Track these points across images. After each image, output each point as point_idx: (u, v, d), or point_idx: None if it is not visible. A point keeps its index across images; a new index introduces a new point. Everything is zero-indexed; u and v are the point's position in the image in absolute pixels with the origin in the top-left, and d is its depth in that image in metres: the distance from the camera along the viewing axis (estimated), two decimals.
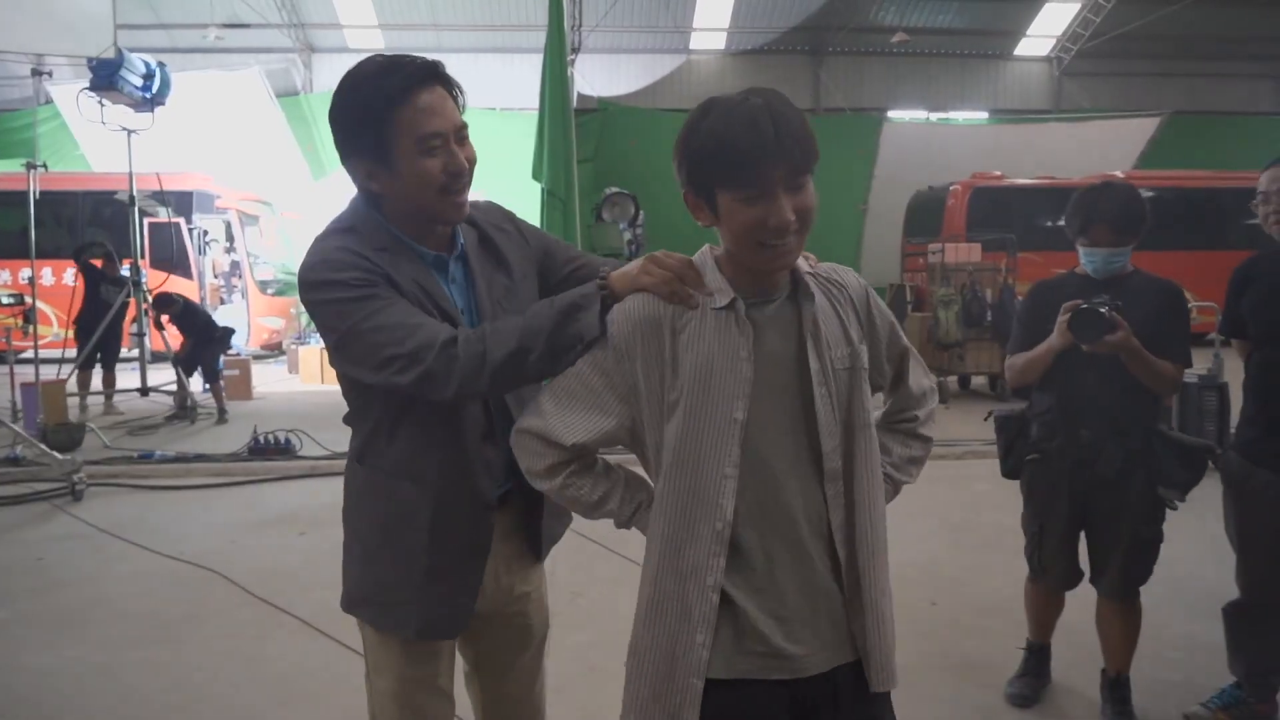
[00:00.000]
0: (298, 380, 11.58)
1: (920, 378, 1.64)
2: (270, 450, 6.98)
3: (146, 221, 12.87)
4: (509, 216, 1.79)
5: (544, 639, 1.90)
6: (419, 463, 1.59)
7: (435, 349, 1.41)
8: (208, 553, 4.71)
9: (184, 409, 8.72)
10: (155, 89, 8.27)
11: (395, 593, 1.63)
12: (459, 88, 1.58)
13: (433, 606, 1.62)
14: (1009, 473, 3.06)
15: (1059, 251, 13.27)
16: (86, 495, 5.87)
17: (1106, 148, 16.88)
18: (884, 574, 1.44)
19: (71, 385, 8.67)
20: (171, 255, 11.66)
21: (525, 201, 10.35)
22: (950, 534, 5.05)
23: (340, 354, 1.54)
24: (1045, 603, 3.09)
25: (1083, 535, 2.89)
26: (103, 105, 8.04)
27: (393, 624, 1.64)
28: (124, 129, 8.42)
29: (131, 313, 9.15)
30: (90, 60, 7.60)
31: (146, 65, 8.20)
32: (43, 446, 6.20)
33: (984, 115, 21.25)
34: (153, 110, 8.39)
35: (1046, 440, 2.81)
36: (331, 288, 1.48)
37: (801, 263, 1.46)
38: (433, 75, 1.52)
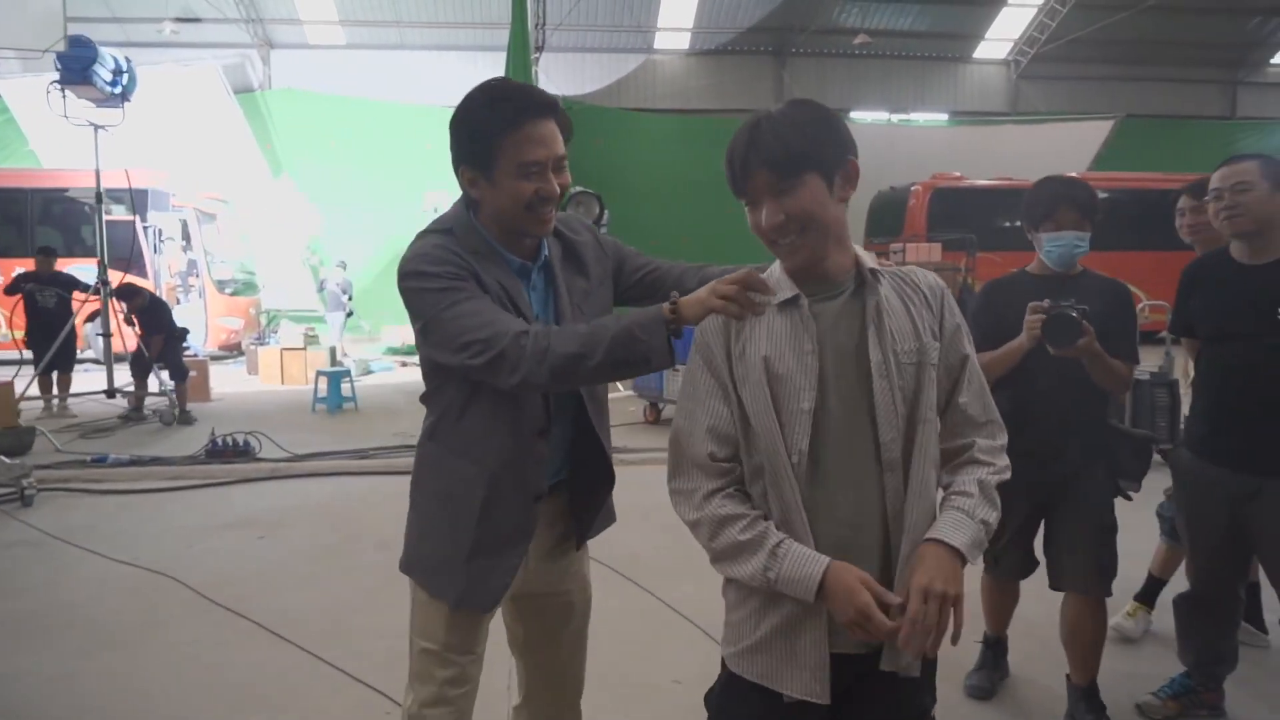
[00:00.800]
0: (258, 381, 11.40)
1: (981, 402, 1.58)
2: (228, 452, 6.86)
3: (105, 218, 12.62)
4: (588, 227, 1.96)
5: (586, 616, 2.08)
6: (480, 446, 1.77)
7: (508, 337, 1.58)
8: (164, 558, 4.62)
9: (138, 411, 8.54)
10: (125, 84, 8.10)
11: (443, 562, 1.82)
12: (569, 122, 1.75)
13: (473, 580, 1.79)
14: None
15: (1017, 251, 13.51)
16: (37, 500, 5.72)
17: (1062, 149, 17.21)
18: None
19: (34, 390, 8.47)
20: (128, 254, 11.40)
21: None
22: None
23: (425, 337, 1.73)
24: (1000, 595, 3.13)
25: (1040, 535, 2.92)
26: (66, 99, 7.82)
27: (437, 590, 1.82)
28: (91, 124, 8.21)
29: (88, 314, 8.95)
30: (64, 52, 7.46)
31: (116, 61, 8.04)
32: None
33: (944, 117, 21.56)
34: (121, 106, 8.21)
35: None
36: (423, 278, 1.68)
37: (868, 258, 1.52)
38: (548, 109, 1.69)
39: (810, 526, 1.44)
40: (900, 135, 19.35)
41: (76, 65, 7.46)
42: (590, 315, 1.79)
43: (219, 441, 7.00)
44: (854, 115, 20.18)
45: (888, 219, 14.48)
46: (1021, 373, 2.69)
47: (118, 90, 8.03)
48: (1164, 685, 2.97)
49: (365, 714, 3.06)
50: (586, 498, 1.93)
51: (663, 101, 20.38)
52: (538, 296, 1.82)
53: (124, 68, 8.07)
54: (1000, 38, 21.54)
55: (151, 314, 8.95)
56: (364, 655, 3.42)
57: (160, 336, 8.83)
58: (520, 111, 1.66)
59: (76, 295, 8.96)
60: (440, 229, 1.76)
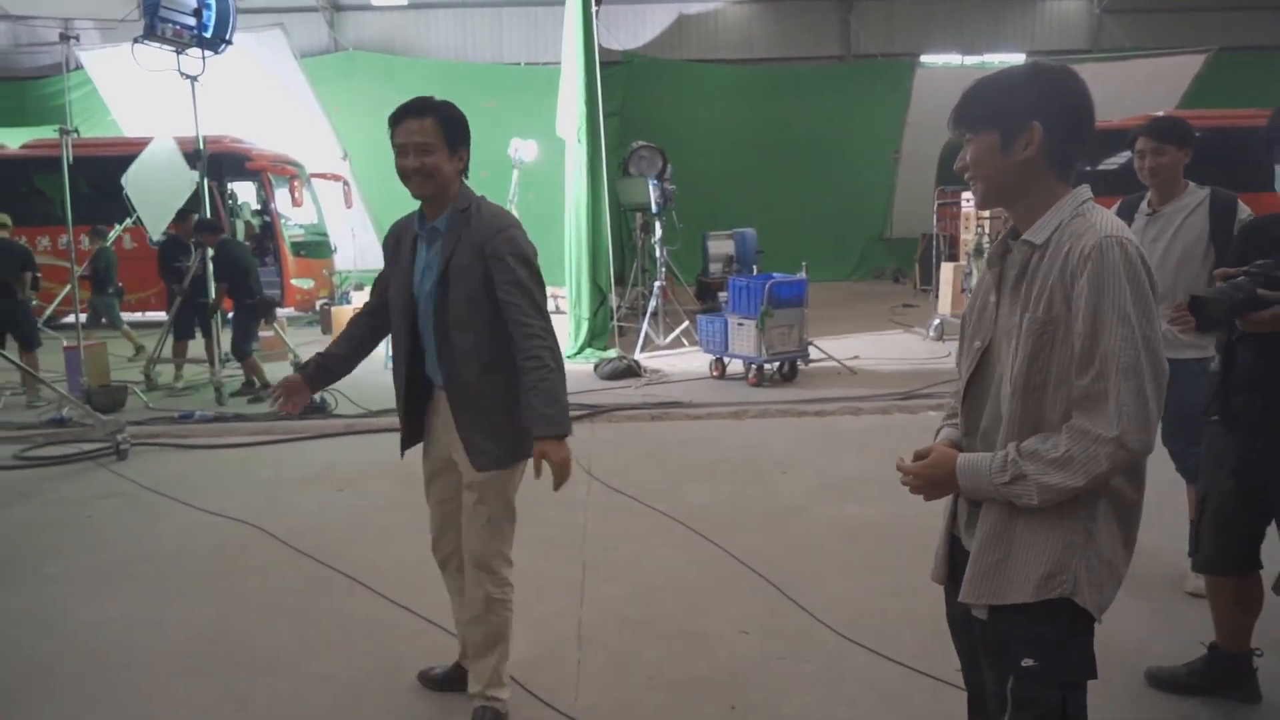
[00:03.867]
0: (331, 340, 11.71)
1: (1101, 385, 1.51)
2: (306, 409, 7.06)
3: None
4: (503, 229, 2.55)
5: (478, 488, 2.62)
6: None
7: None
8: (248, 509, 4.82)
9: (252, 386, 7.94)
10: (212, 25, 7.46)
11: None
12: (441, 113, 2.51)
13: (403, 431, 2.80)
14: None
15: (1100, 196, 12.94)
16: (130, 455, 6.02)
17: (1148, 87, 16.30)
18: None
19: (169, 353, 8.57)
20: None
21: (551, 156, 10.30)
22: None
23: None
24: (1215, 593, 2.75)
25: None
26: (177, 54, 7.30)
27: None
28: (185, 75, 7.48)
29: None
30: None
31: None
32: (86, 408, 6.35)
33: (1020, 57, 20.61)
34: (219, 50, 7.54)
35: (1219, 403, 2.61)
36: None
37: (1053, 216, 1.61)
38: (398, 118, 2.51)
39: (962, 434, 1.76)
40: (973, 77, 18.46)
41: (147, 14, 7.05)
42: (459, 284, 2.51)
43: None
44: (924, 59, 19.44)
45: None
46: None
47: (205, 33, 7.39)
48: None
49: (441, 657, 3.17)
50: (462, 407, 2.59)
51: (724, 52, 19.94)
52: (429, 251, 2.58)
53: (207, 3, 7.41)
54: None
55: (219, 258, 7.97)
56: (438, 604, 3.52)
57: (224, 286, 7.99)
58: (392, 119, 2.52)
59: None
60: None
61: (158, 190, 8.03)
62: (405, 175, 2.47)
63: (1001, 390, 1.62)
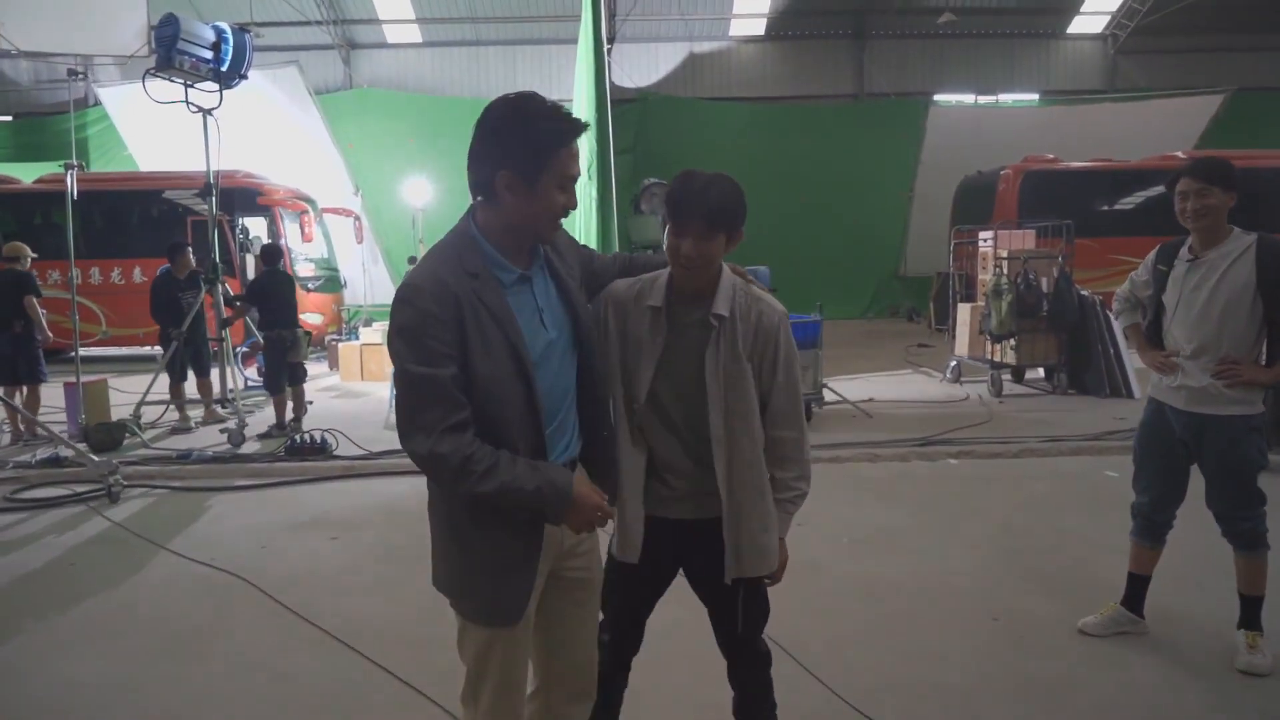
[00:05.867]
0: (337, 377, 11.56)
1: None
2: (306, 450, 6.91)
3: (189, 219, 13.02)
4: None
5: (598, 592, 2.14)
6: None
7: (457, 457, 1.75)
8: (238, 558, 4.62)
9: (281, 427, 7.67)
10: (229, 59, 7.40)
11: (460, 582, 2.04)
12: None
13: (488, 597, 1.99)
14: None
15: (1118, 237, 12.86)
16: (124, 497, 5.84)
17: (1166, 127, 16.21)
18: None
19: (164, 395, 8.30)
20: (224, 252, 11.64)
21: None
22: (1009, 539, 4.76)
23: (395, 377, 1.91)
24: None
25: None
26: (187, 86, 7.25)
27: (463, 610, 2.08)
28: (198, 108, 7.47)
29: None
30: (156, 32, 6.88)
31: (218, 31, 7.33)
32: (79, 448, 6.20)
33: (1034, 97, 20.56)
34: (232, 84, 7.50)
35: None
36: (417, 323, 1.80)
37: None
38: (582, 131, 1.84)
39: None
40: (987, 117, 18.53)
41: (161, 48, 7.04)
42: (580, 301, 1.99)
43: (297, 439, 7.06)
44: (937, 98, 19.41)
45: (975, 205, 13.84)
46: None
47: (221, 67, 7.35)
48: None
49: None
50: (601, 467, 2.04)
51: (738, 90, 19.97)
52: (541, 293, 1.91)
53: (226, 37, 7.37)
54: (1097, 10, 20.39)
55: (258, 285, 7.89)
56: (428, 666, 3.31)
57: (244, 307, 7.92)
58: (575, 129, 1.80)
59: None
60: (448, 251, 1.83)
61: None
62: (564, 214, 1.90)
63: None
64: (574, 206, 1.86)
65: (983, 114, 19.06)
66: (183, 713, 3.10)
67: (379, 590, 4.16)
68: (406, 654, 3.44)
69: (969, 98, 20.33)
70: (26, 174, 14.46)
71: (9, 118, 19.72)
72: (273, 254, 8.19)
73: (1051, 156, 13.94)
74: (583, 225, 9.11)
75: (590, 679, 2.14)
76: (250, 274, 12.80)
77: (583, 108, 9.11)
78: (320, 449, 6.92)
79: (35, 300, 7.53)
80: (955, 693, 3.09)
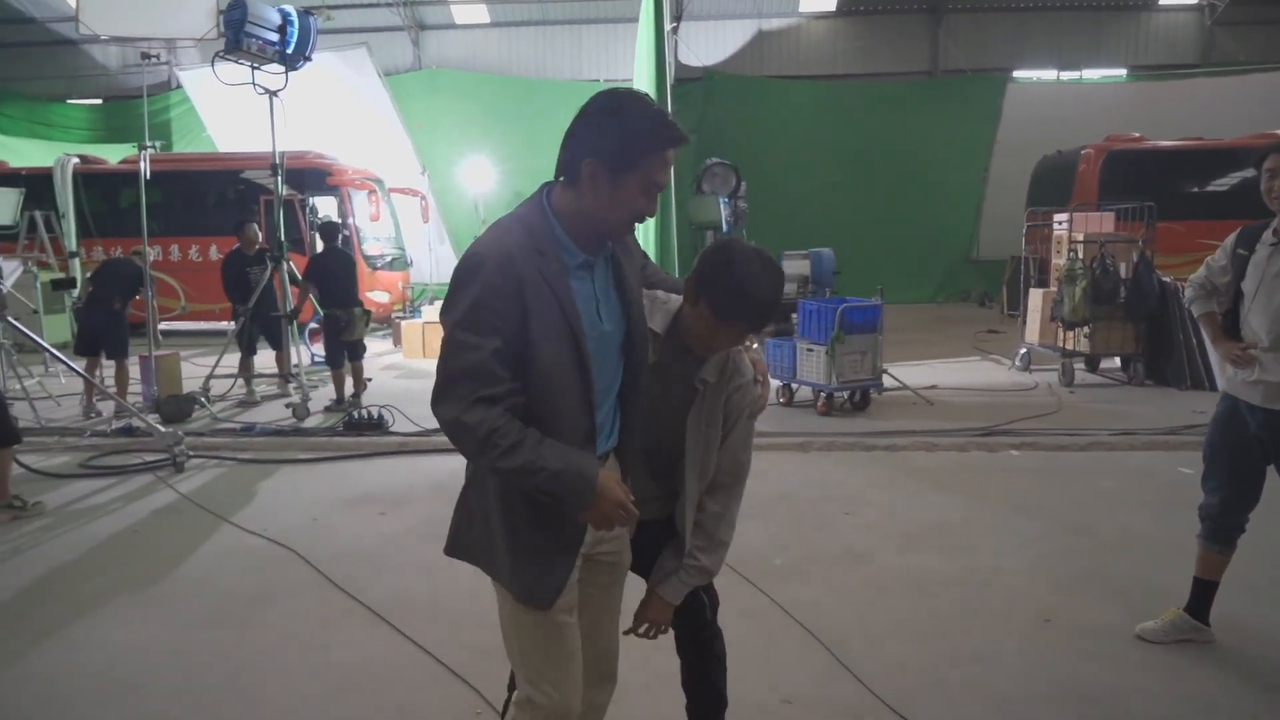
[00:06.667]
0: (400, 354, 11.77)
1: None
2: (364, 425, 7.04)
3: (262, 199, 13.37)
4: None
5: (624, 577, 2.13)
6: None
7: (485, 424, 1.70)
8: (290, 530, 4.74)
9: (340, 402, 7.90)
10: (294, 41, 7.50)
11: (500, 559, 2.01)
12: None
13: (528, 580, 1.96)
14: None
15: (1206, 221, 12.17)
16: (188, 467, 6.05)
17: (1263, 104, 15.21)
18: None
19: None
20: (296, 232, 11.93)
21: None
22: (1069, 537, 4.55)
23: (443, 344, 1.86)
24: None
25: None
26: (254, 68, 7.39)
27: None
28: (265, 90, 7.58)
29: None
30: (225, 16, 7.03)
31: (283, 14, 7.42)
32: (147, 420, 6.43)
33: (1121, 72, 19.59)
34: (297, 66, 7.59)
35: None
36: (478, 287, 1.75)
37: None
38: (680, 143, 1.79)
39: None
40: (1068, 94, 17.73)
41: (230, 31, 7.16)
42: (638, 300, 1.94)
43: (355, 415, 7.20)
44: (1016, 74, 18.66)
45: (1052, 186, 13.28)
46: None
47: (286, 49, 7.44)
48: None
49: (457, 708, 2.96)
50: (630, 459, 2.01)
51: (807, 68, 19.53)
52: (601, 284, 1.86)
53: (291, 20, 7.46)
54: None
55: (318, 264, 8.03)
56: (465, 645, 3.34)
57: (310, 288, 8.02)
58: (674, 138, 1.76)
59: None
60: (516, 225, 1.79)
61: None
62: (641, 219, 1.85)
63: None
64: (653, 213, 1.81)
65: (1064, 90, 18.25)
66: (224, 682, 3.18)
67: (422, 567, 4.20)
68: (444, 632, 3.47)
69: (1050, 74, 19.49)
70: (114, 155, 15.05)
71: (99, 101, 20.54)
72: (331, 231, 8.34)
73: (1137, 135, 13.28)
74: None
75: (612, 663, 2.13)
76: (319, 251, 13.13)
77: (641, 86, 9.03)
78: (377, 425, 7.04)
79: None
80: (997, 696, 2.96)
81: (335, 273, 7.96)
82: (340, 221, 8.66)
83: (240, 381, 8.52)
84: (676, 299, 2.11)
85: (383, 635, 3.50)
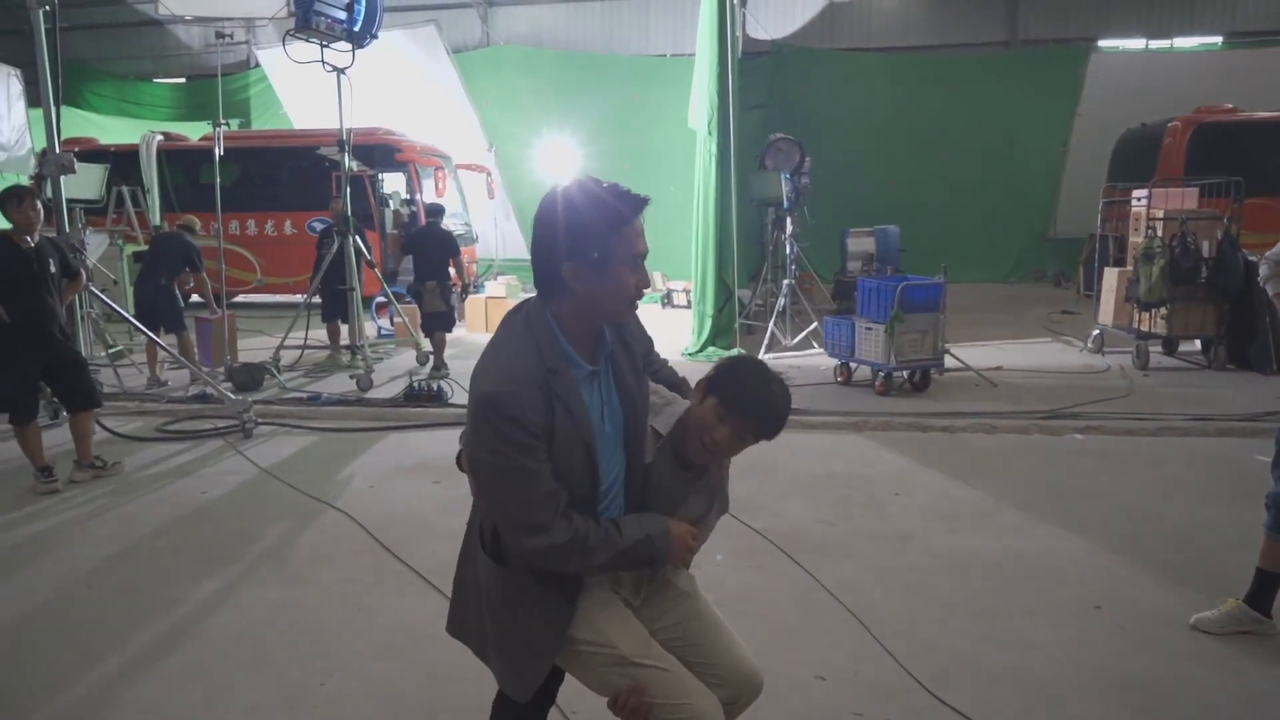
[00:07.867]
0: (463, 329, 11.98)
1: None
2: (424, 397, 7.22)
3: (334, 175, 13.70)
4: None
5: (696, 590, 2.08)
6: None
7: (566, 536, 1.76)
8: (348, 496, 4.91)
9: (435, 368, 8.33)
10: (361, 19, 7.67)
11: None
12: None
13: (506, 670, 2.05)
14: None
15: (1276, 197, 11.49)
16: (256, 434, 6.30)
17: None
18: None
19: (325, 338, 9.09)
20: (365, 207, 12.21)
21: (688, 148, 10.06)
22: (1130, 524, 4.40)
23: (482, 491, 1.96)
24: None
25: None
26: (323, 46, 7.59)
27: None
28: (334, 68, 7.77)
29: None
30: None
31: None
32: (218, 388, 6.70)
33: (1217, 40, 18.55)
34: (364, 44, 7.76)
35: None
36: (510, 428, 1.74)
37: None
38: (643, 206, 1.78)
39: None
40: (1157, 64, 16.87)
41: (300, 9, 7.32)
42: (642, 395, 1.94)
43: (416, 386, 7.38)
44: (1101, 44, 17.84)
45: (1135, 161, 12.69)
46: None
47: (354, 27, 7.64)
48: None
49: (486, 674, 3.03)
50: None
51: (878, 40, 19.03)
52: (604, 389, 1.88)
53: None
54: None
55: (415, 237, 8.84)
56: None
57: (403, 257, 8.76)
58: (633, 206, 1.75)
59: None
60: (525, 345, 1.78)
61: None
62: (638, 294, 1.84)
63: None
64: (647, 285, 1.83)
65: (1153, 60, 17.37)
66: (275, 636, 3.33)
67: None
68: None
69: (1138, 43, 18.59)
70: (195, 133, 15.61)
71: (183, 80, 21.30)
72: (435, 210, 8.96)
73: (1230, 106, 12.58)
74: (701, 182, 8.97)
75: (744, 671, 2.02)
76: (389, 226, 13.44)
77: (705, 60, 8.92)
78: (436, 397, 7.21)
79: (204, 275, 8.26)
80: (1036, 681, 2.90)
81: (424, 248, 8.54)
82: (443, 205, 9.06)
83: (307, 351, 8.87)
84: (683, 403, 2.01)
85: (429, 597, 3.62)
